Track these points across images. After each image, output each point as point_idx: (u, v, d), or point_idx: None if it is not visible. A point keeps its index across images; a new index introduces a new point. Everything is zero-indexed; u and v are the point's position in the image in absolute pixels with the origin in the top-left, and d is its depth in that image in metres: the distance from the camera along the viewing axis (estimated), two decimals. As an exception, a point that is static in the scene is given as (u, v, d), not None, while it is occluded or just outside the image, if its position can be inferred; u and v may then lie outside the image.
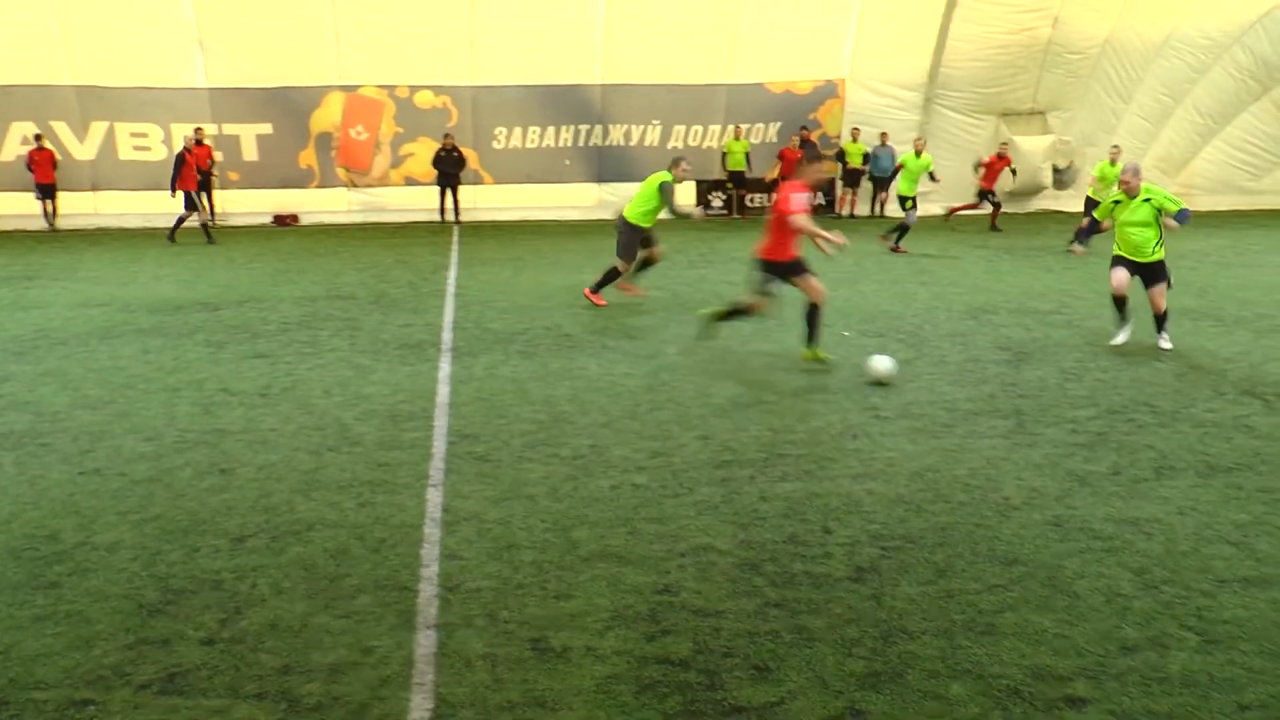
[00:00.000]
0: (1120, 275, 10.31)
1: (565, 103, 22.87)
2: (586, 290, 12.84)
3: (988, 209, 21.05)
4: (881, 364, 9.04)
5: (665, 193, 12.42)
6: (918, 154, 18.64)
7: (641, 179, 23.18)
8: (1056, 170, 23.67)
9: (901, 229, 17.98)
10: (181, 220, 19.36)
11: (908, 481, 6.63)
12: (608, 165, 23.42)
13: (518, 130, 23.01)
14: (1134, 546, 5.67)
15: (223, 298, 13.28)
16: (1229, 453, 7.29)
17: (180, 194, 19.06)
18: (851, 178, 23.78)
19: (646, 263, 13.09)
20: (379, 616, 4.85)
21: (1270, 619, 4.89)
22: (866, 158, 23.42)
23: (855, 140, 23.36)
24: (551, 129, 23.08)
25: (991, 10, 21.73)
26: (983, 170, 20.83)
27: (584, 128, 23.14)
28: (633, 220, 12.64)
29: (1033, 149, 23.00)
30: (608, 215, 13.10)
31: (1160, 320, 10.35)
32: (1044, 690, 4.26)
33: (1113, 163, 18.54)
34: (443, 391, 8.73)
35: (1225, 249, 18.14)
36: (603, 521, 5.96)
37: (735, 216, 23.53)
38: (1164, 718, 4.09)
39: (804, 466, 6.90)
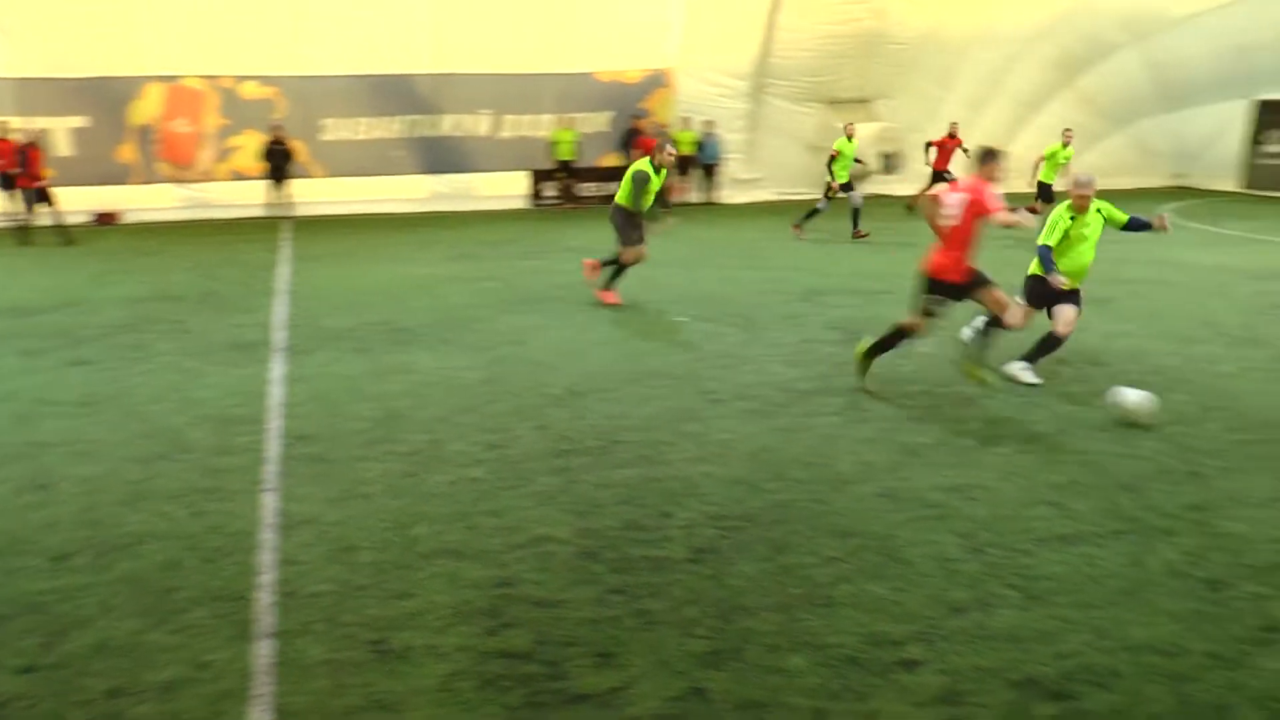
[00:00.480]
0: (1023, 314, 8.96)
1: (395, 93, 22.45)
2: (597, 292, 12.25)
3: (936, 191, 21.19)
4: (1135, 398, 7.69)
5: (637, 181, 11.83)
6: (850, 139, 18.37)
7: (474, 170, 23.27)
8: (885, 156, 24.41)
9: (854, 215, 17.88)
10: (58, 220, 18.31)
11: (744, 462, 6.73)
12: (439, 156, 23.10)
13: (347, 122, 22.50)
14: (961, 512, 5.90)
15: (39, 302, 12.56)
16: (1048, 419, 7.66)
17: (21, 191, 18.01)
18: (683, 166, 24.01)
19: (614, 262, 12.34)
20: (214, 629, 4.67)
21: (1084, 573, 5.17)
22: (699, 145, 23.67)
23: (686, 129, 23.58)
24: (381, 120, 22.64)
25: (817, 1, 22.27)
26: (934, 152, 20.93)
27: (414, 118, 22.78)
28: (625, 205, 12.03)
29: (861, 136, 23.64)
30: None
31: (1049, 348, 8.86)
32: (879, 655, 4.40)
33: (1065, 145, 18.38)
34: (276, 392, 8.47)
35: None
36: (441, 517, 5.87)
37: (569, 205, 23.51)
38: (990, 672, 4.28)
39: (641, 452, 6.94)
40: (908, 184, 24.45)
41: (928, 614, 4.74)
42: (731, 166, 24.09)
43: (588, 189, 23.69)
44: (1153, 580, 5.12)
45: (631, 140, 23.49)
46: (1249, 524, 5.83)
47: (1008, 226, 7.81)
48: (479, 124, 23.14)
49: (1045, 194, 18.22)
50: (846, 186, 18.06)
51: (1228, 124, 26.05)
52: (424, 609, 4.82)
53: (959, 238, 7.92)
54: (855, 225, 17.90)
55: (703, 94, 23.64)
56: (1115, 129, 26.44)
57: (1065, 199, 9.09)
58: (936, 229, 8.09)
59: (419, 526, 5.75)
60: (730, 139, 23.78)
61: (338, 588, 5.04)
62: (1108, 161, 26.63)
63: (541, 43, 22.33)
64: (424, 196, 22.99)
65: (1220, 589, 5.05)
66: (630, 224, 12.01)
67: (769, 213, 21.83)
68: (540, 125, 23.32)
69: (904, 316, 8.41)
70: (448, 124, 22.96)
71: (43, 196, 18.17)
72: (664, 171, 11.95)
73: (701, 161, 23.75)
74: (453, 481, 6.43)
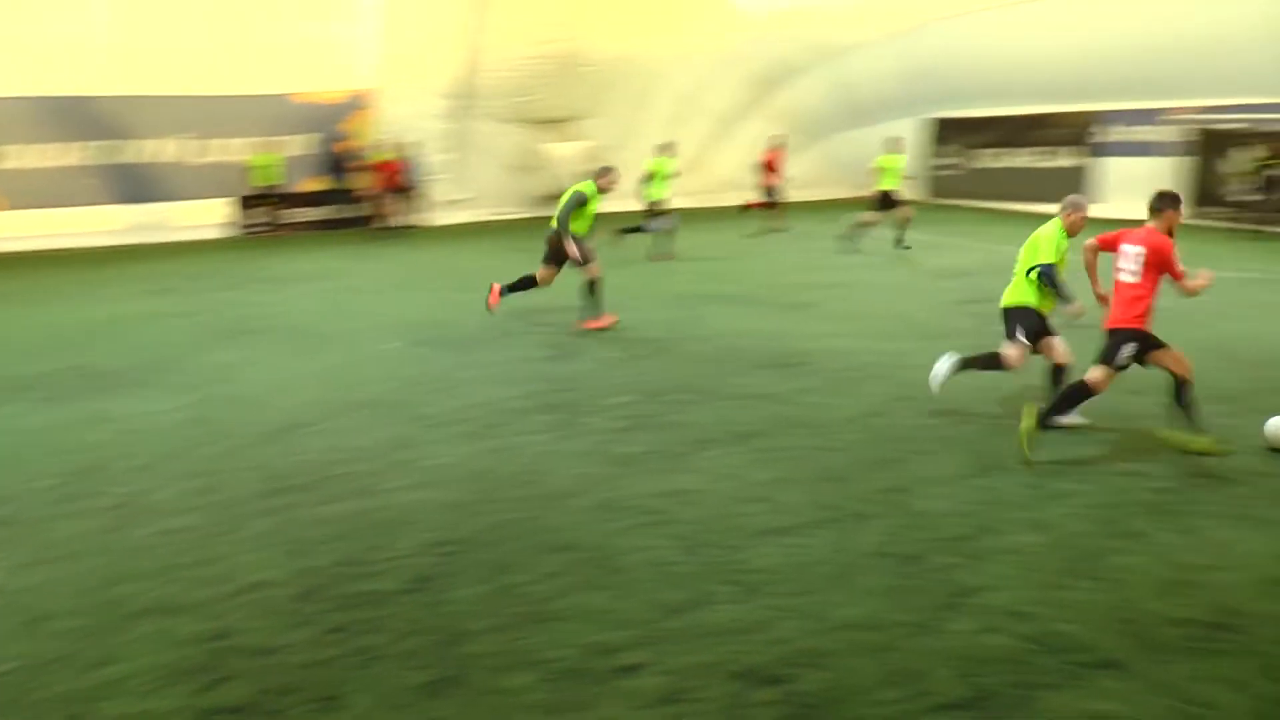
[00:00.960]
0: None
1: (82, 116, 20.89)
2: (585, 324, 11.60)
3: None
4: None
5: (572, 202, 11.38)
6: (666, 158, 18.05)
7: (172, 198, 21.99)
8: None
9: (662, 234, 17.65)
10: None
11: (461, 486, 6.67)
12: (134, 185, 21.65)
13: (29, 148, 20.77)
14: (677, 516, 6.08)
15: None
16: (756, 420, 8.01)
17: None
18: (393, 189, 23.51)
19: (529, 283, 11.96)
20: None
21: (794, 561, 5.45)
22: (404, 167, 23.16)
23: (392, 150, 23.07)
24: (68, 146, 21.04)
25: (518, 24, 22.44)
26: (765, 171, 21.01)
27: (104, 144, 21.29)
28: (575, 232, 11.49)
29: (566, 155, 24.04)
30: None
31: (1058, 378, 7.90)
32: (601, 664, 4.46)
33: (896, 153, 18.17)
34: (-55, 455, 7.70)
35: (748, 241, 19.89)
36: (148, 573, 5.50)
37: (277, 232, 22.58)
38: (709, 667, 4.42)
39: (356, 484, 6.75)
40: (615, 201, 25.00)
41: (646, 618, 4.85)
42: (440, 187, 23.79)
43: (296, 214, 22.91)
44: (857, 562, 5.46)
45: (339, 164, 22.91)
46: (938, 501, 6.33)
47: (1194, 293, 7.19)
48: (174, 149, 21.93)
49: (886, 203, 18.12)
50: (654, 210, 17.76)
51: (907, 139, 28.10)
52: (130, 674, 4.50)
53: (1139, 293, 7.07)
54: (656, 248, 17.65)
55: (405, 115, 23.27)
56: (809, 144, 28.04)
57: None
58: (1095, 277, 7.65)
59: (123, 585, 5.36)
60: (437, 160, 23.54)
61: (29, 664, 4.61)
62: (803, 174, 28.28)
63: (234, 63, 21.38)
64: (119, 228, 21.41)
65: (915, 563, 5.45)
66: (584, 247, 11.57)
67: (479, 233, 21.81)
68: (240, 149, 22.35)
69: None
70: (141, 150, 21.61)
71: None
72: (598, 198, 11.55)
73: (409, 183, 23.28)
74: (159, 533, 6.05)
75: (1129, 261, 7.10)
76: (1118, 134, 23.49)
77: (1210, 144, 21.38)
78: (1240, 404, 8.37)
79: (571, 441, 7.55)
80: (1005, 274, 8.27)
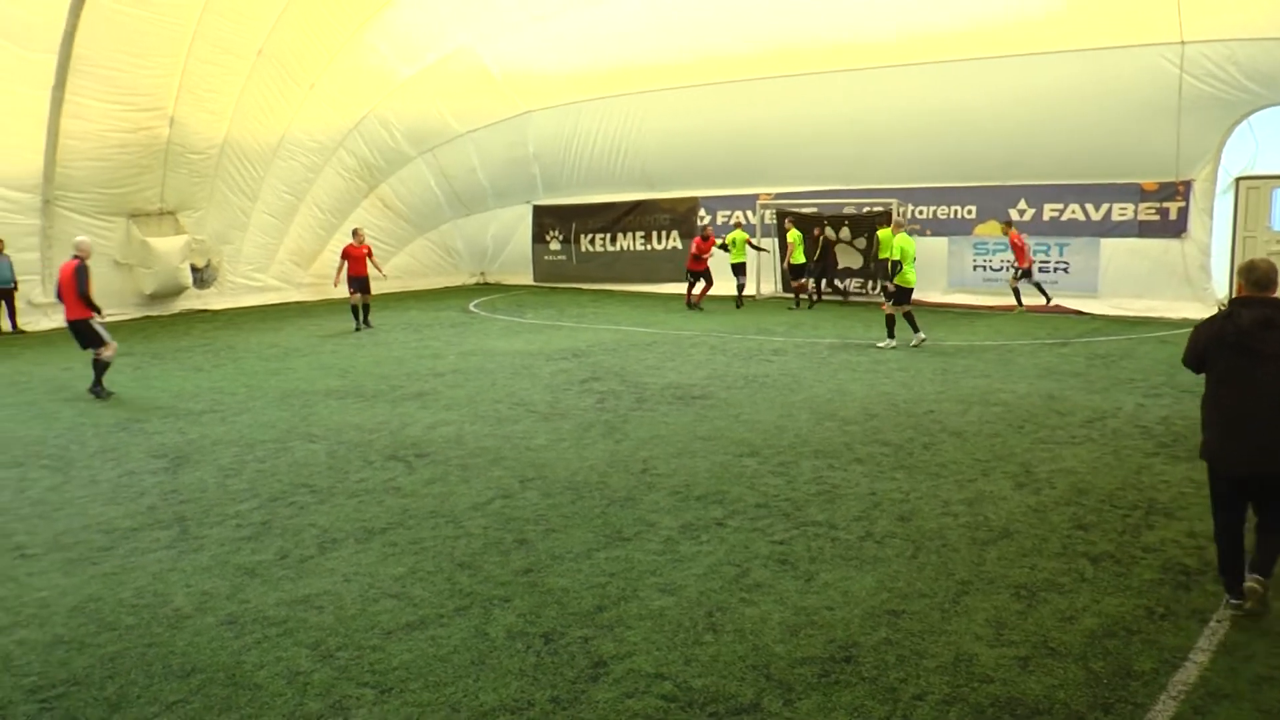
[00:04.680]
0: None
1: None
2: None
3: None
4: None
5: None
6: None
7: None
8: (195, 270, 23.72)
9: None
10: None
11: (66, 619, 6.09)
12: None
13: None
14: (308, 623, 5.88)
15: None
16: (382, 515, 7.91)
17: None
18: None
19: None
20: None
21: (431, 654, 5.43)
22: None
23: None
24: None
25: (102, 108, 20.84)
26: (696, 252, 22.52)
27: None
28: None
29: (169, 249, 22.73)
30: None
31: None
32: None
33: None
34: None
35: (359, 333, 19.66)
36: None
37: None
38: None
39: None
40: (225, 298, 24.09)
41: (285, 734, 4.65)
42: (28, 289, 21.43)
43: None
44: (496, 646, 5.52)
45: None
46: (570, 577, 6.52)
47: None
48: None
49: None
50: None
51: (514, 226, 29.03)
52: None
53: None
54: None
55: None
56: (418, 233, 28.27)
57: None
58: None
59: None
60: (23, 259, 21.20)
61: None
62: (416, 263, 28.46)
63: None
64: None
65: (553, 640, 5.58)
66: None
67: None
68: None
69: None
70: None
71: None
72: None
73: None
74: None
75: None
76: (721, 218, 25.42)
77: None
78: (838, 457, 9.26)
79: (191, 557, 7.10)
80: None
